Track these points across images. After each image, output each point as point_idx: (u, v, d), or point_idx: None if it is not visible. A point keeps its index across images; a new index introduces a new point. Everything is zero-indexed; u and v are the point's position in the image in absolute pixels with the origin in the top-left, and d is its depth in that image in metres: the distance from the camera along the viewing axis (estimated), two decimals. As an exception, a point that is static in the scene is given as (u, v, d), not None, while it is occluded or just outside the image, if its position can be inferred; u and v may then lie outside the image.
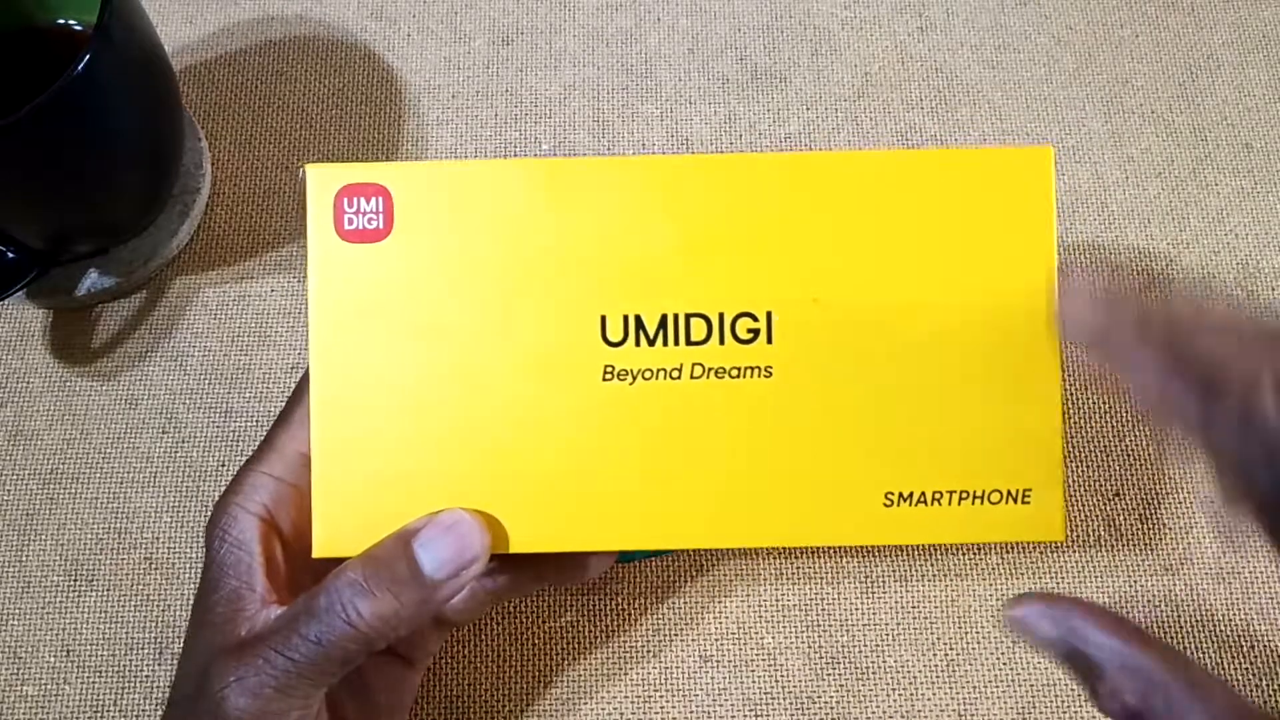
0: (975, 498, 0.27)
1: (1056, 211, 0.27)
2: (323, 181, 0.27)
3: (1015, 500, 0.27)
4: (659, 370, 0.27)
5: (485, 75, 0.45)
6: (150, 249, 0.40)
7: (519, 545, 0.27)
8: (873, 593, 0.37)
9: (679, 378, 0.27)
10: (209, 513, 0.38)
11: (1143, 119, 0.44)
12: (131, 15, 0.35)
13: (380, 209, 0.27)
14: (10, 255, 0.37)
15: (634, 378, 0.27)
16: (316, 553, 0.27)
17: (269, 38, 0.45)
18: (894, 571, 0.37)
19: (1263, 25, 0.46)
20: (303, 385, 0.30)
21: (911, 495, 0.27)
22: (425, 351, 0.27)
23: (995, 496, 0.27)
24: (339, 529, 0.27)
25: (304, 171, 0.27)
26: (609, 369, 0.27)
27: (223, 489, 0.38)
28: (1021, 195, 0.27)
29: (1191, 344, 0.25)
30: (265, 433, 0.30)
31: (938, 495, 0.27)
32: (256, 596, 0.27)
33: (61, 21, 0.38)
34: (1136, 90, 0.45)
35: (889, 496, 0.27)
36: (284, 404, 0.31)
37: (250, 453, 0.30)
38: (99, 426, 0.39)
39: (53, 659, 0.36)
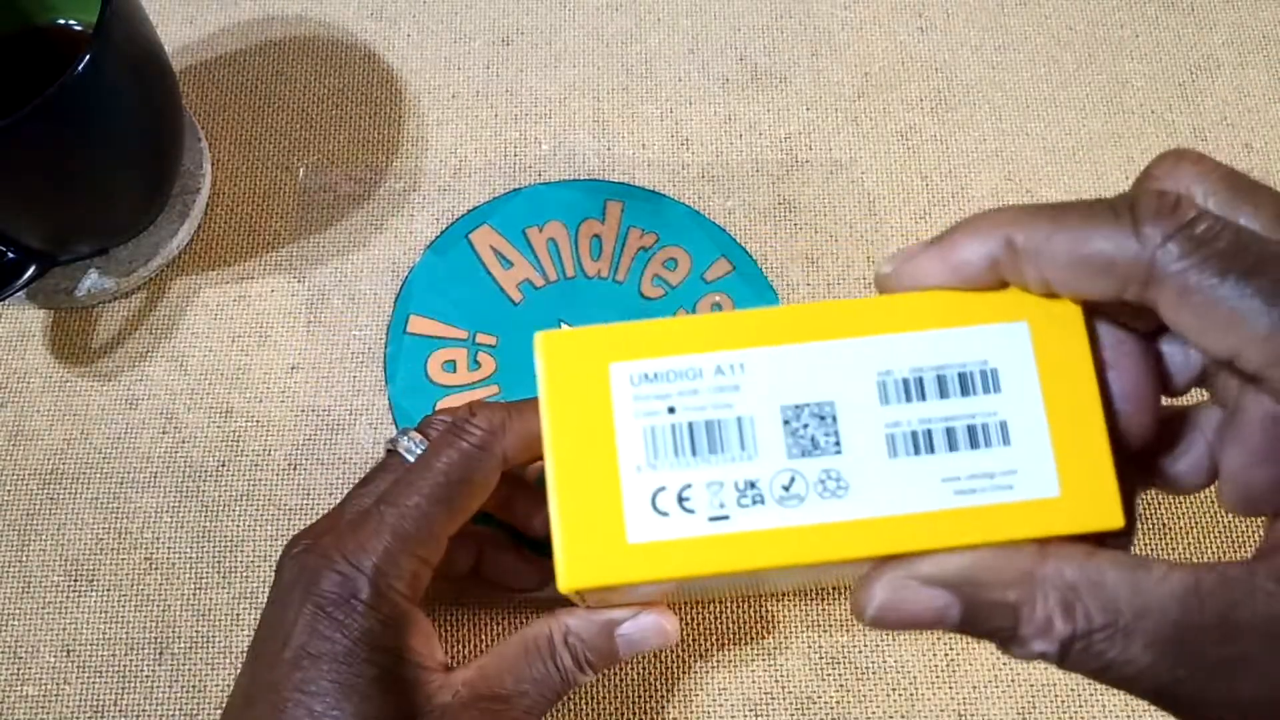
0: None
1: None
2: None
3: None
4: None
5: (485, 75, 0.45)
6: (150, 249, 0.40)
7: None
8: (873, 593, 0.37)
9: None
10: (210, 513, 0.38)
11: (1143, 119, 0.44)
12: (131, 15, 0.35)
13: None
14: (10, 255, 0.37)
15: None
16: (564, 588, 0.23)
17: (269, 38, 0.45)
18: (894, 571, 0.37)
19: (1263, 25, 0.46)
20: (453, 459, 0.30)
21: None
22: None
23: None
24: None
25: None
26: None
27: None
28: None
29: None
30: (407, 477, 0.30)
31: None
32: (435, 674, 0.29)
33: (61, 21, 0.39)
34: (1136, 90, 0.45)
35: None
36: (433, 477, 0.29)
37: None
38: (99, 426, 0.39)
39: (53, 659, 0.36)
